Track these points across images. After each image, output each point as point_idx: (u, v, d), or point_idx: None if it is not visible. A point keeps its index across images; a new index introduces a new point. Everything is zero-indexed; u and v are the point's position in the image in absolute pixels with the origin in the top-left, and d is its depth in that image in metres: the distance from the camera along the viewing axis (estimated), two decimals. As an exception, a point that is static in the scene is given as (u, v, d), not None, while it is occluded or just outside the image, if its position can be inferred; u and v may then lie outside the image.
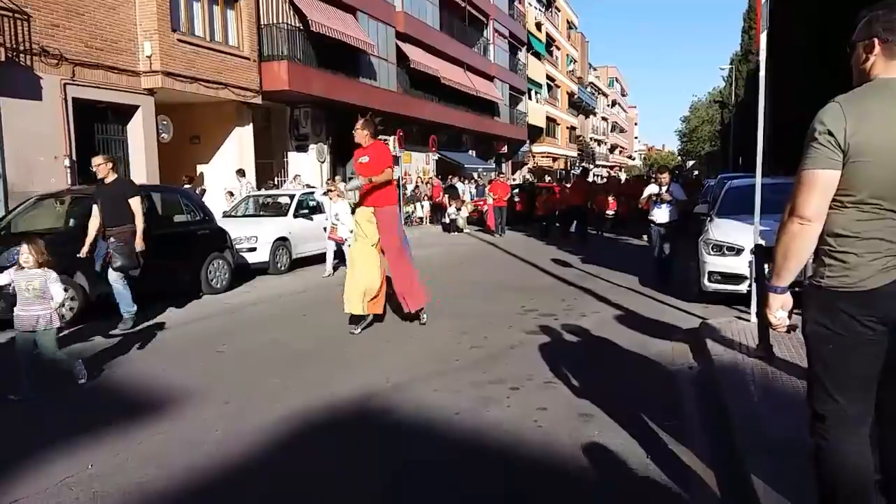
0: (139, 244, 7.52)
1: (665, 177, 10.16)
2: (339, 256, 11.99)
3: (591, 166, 65.30)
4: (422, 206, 24.53)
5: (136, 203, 7.63)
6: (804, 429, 2.65)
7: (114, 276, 7.49)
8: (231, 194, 16.44)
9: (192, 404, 5.00)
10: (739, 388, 4.66)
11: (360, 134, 7.16)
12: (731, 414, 4.18)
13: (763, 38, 6.42)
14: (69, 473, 3.79)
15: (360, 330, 7.22)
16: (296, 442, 4.29)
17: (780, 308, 2.54)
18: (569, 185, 18.65)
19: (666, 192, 9.81)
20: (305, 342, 7.00)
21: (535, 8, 48.80)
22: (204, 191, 16.08)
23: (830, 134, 2.32)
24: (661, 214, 9.90)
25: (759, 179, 6.58)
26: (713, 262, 8.01)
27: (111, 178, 7.71)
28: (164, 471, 3.83)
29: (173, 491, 3.61)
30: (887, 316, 2.34)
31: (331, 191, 11.69)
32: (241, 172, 17.16)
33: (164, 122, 15.95)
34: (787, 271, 2.47)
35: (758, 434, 3.79)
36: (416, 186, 25.04)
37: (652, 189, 10.22)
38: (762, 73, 6.51)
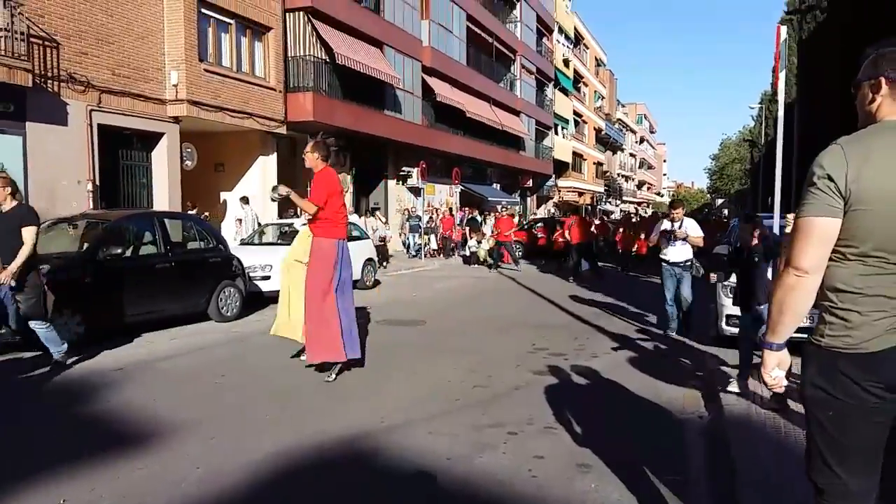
0: (6, 275, 6.27)
1: (678, 212, 9.11)
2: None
3: (618, 202, 64.95)
4: (436, 239, 24.43)
5: (29, 233, 6.41)
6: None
7: (31, 322, 6.60)
8: (240, 221, 16.48)
9: (178, 437, 4.86)
10: (749, 443, 4.41)
11: (310, 157, 6.54)
12: (738, 472, 3.94)
13: (782, 77, 6.26)
14: (40, 509, 3.67)
15: (334, 376, 6.48)
16: (277, 483, 4.12)
17: (777, 367, 2.34)
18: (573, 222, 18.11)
19: (679, 228, 8.87)
20: (308, 374, 6.84)
21: (563, 45, 49.06)
22: (206, 217, 16.12)
23: (830, 179, 2.12)
24: (673, 253, 8.91)
25: (776, 220, 6.36)
26: (730, 306, 7.73)
27: (9, 205, 6.59)
28: (136, 510, 3.68)
29: (143, 533, 3.46)
30: (893, 382, 2.12)
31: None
32: (244, 200, 17.07)
33: (189, 150, 16.15)
34: (783, 326, 2.27)
35: (764, 495, 3.55)
36: (431, 218, 24.86)
37: (664, 225, 9.28)
38: (780, 112, 6.34)
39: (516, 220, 24.65)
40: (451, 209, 27.08)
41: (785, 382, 2.36)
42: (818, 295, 2.22)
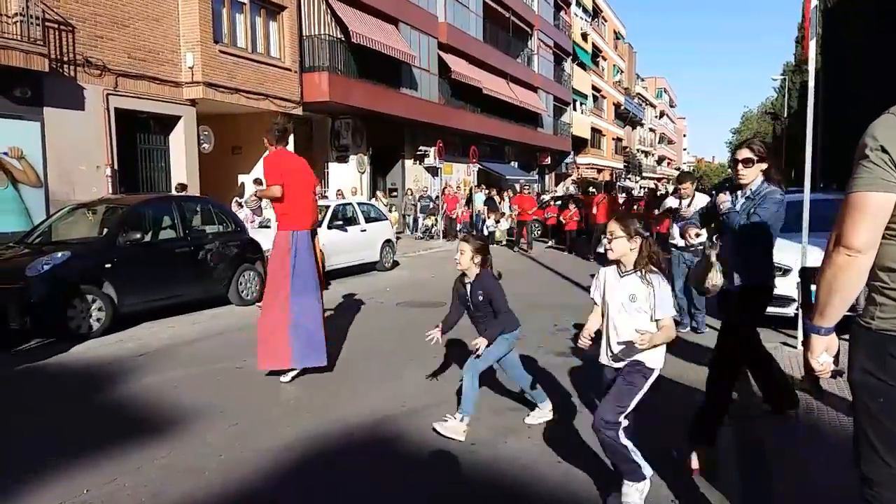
0: None
1: (687, 187, 7.76)
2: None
3: (637, 178, 64.26)
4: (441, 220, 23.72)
5: None
6: (851, 476, 2.27)
7: None
8: (240, 205, 16.24)
9: (199, 425, 4.83)
10: (781, 426, 4.28)
11: (265, 142, 6.06)
12: (769, 456, 3.81)
13: (812, 45, 6.02)
14: (62, 499, 3.64)
15: (290, 378, 5.95)
16: (300, 470, 4.06)
17: (825, 352, 2.21)
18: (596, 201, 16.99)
19: (688, 207, 7.50)
20: (331, 357, 6.79)
21: (581, 18, 48.32)
22: None
23: (884, 150, 1.97)
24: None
25: (807, 195, 6.17)
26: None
27: None
28: (158, 499, 3.64)
29: (165, 522, 3.43)
30: None
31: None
32: (258, 181, 16.86)
33: (206, 133, 16.09)
34: (832, 309, 2.13)
35: (796, 481, 3.43)
36: (438, 197, 23.90)
37: (670, 203, 8.09)
38: (811, 82, 6.10)
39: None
40: (458, 187, 26.59)
41: (832, 367, 2.22)
42: (869, 275, 2.08)
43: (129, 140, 14.22)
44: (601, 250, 16.76)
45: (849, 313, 2.15)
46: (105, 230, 8.64)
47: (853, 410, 2.22)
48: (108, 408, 5.36)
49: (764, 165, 4.21)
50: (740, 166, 4.22)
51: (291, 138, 18.46)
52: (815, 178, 19.59)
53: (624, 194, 27.92)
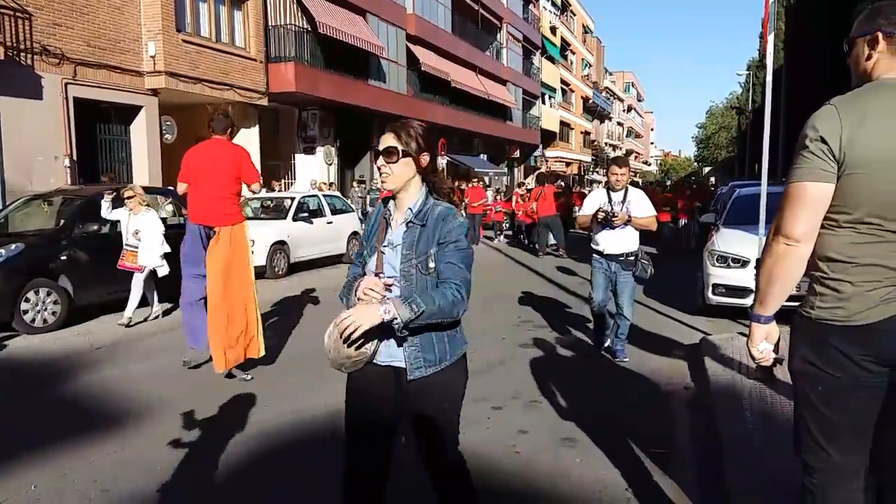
0: None
1: (621, 175, 5.91)
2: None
3: (605, 171, 64.82)
4: None
5: None
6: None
7: None
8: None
9: (155, 418, 4.75)
10: (734, 415, 4.35)
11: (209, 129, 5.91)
12: (723, 444, 3.87)
13: (770, 40, 6.10)
14: (9, 495, 3.55)
15: (250, 376, 5.80)
16: (256, 464, 4.02)
17: (765, 339, 2.24)
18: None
19: (620, 204, 5.89)
20: (291, 351, 6.74)
21: (550, 12, 48.43)
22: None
23: (823, 141, 1.99)
24: (608, 240, 5.89)
25: (764, 187, 6.27)
26: (717, 274, 7.68)
27: None
28: (109, 495, 3.57)
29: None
30: (887, 356, 2.01)
31: (128, 198, 7.86)
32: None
33: (168, 123, 15.81)
34: (772, 298, 2.16)
35: (749, 469, 3.49)
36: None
37: (597, 198, 6.10)
38: (769, 76, 6.20)
39: (489, 192, 23.68)
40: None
41: (773, 356, 2.26)
42: (808, 265, 2.11)
43: (89, 130, 13.90)
44: (552, 242, 16.62)
45: (790, 304, 2.18)
46: (61, 222, 8.45)
47: (794, 400, 2.26)
48: (61, 402, 5.25)
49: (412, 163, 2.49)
50: (381, 160, 2.49)
51: (257, 128, 18.31)
52: (777, 171, 19.94)
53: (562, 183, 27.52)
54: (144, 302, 8.18)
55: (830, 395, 2.08)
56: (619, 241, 5.89)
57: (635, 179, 52.23)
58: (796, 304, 2.22)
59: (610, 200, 5.93)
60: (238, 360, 5.65)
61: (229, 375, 5.69)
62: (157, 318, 8.31)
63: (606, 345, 6.37)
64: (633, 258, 5.93)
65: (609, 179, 6.03)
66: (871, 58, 2.11)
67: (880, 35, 2.07)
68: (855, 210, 2.01)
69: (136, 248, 7.84)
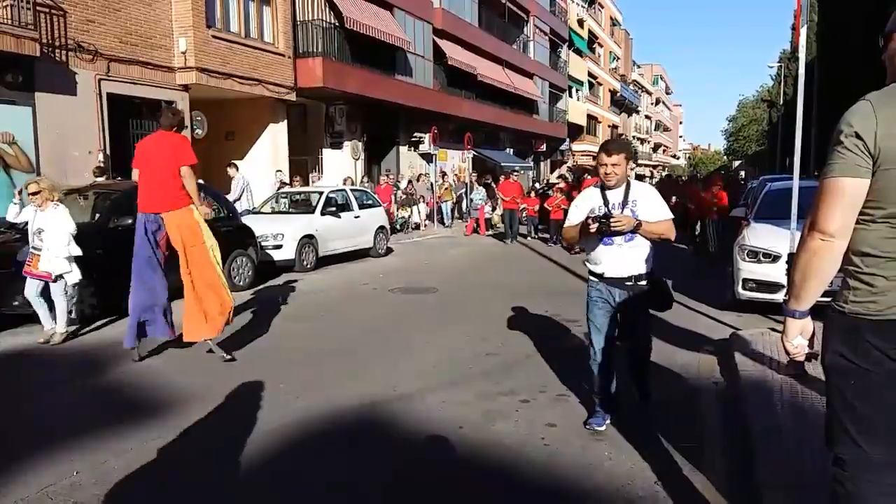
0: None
1: (612, 165, 4.09)
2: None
3: (633, 165, 64.13)
4: (418, 211, 21.58)
5: None
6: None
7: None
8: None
9: (190, 409, 4.85)
10: (765, 410, 4.32)
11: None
12: (753, 439, 3.86)
13: (803, 32, 6.02)
14: (52, 481, 3.67)
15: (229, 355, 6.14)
16: (290, 454, 4.10)
17: (800, 335, 2.25)
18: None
19: (620, 206, 4.14)
20: (319, 344, 6.84)
21: (578, 4, 48.08)
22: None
23: (858, 137, 2.00)
24: (613, 259, 4.20)
25: (796, 181, 6.19)
26: (748, 269, 7.61)
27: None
28: (146, 483, 3.68)
29: (154, 504, 3.47)
30: None
31: (33, 193, 6.95)
32: (233, 166, 16.01)
33: (199, 118, 16.02)
34: (807, 293, 2.17)
35: (780, 464, 3.47)
36: (410, 183, 22.06)
37: (588, 201, 4.32)
38: (801, 69, 6.11)
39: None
40: (453, 172, 26.16)
41: (807, 349, 2.26)
42: (843, 260, 2.11)
43: (122, 125, 14.15)
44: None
45: (824, 299, 2.18)
46: (97, 216, 8.62)
47: (826, 394, 2.26)
48: (101, 391, 5.40)
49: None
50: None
51: (286, 123, 18.44)
52: (810, 165, 19.62)
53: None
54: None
55: (864, 389, 2.08)
56: (626, 259, 4.10)
57: (663, 173, 50.87)
58: (829, 299, 2.22)
59: (606, 202, 4.11)
60: (210, 334, 6.08)
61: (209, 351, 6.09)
62: (56, 340, 6.87)
63: (601, 427, 4.30)
64: (646, 283, 4.19)
65: (598, 172, 4.16)
66: None
67: None
68: (890, 205, 2.00)
69: (40, 250, 6.80)
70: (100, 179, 11.44)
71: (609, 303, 4.24)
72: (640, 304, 4.29)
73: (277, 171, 17.15)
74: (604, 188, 4.19)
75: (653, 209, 4.12)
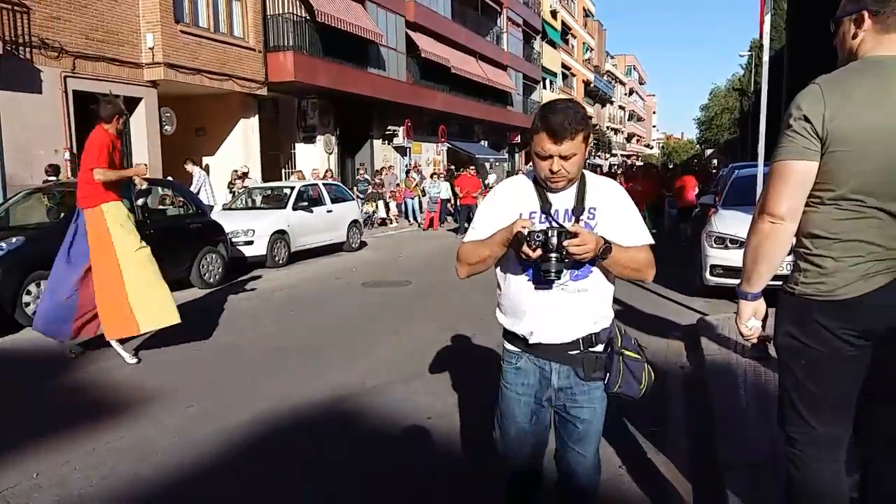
0: None
1: (565, 164, 2.18)
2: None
3: (607, 155, 64.64)
4: (385, 205, 20.98)
5: None
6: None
7: None
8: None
9: (155, 407, 4.80)
10: (729, 392, 4.38)
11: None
12: (716, 421, 3.91)
13: (767, 20, 6.08)
14: (11, 483, 3.61)
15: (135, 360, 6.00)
16: (256, 451, 4.07)
17: (753, 317, 2.27)
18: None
19: (570, 216, 2.28)
20: (289, 339, 6.80)
21: (551, -5, 48.13)
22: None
23: (807, 120, 2.02)
24: (545, 312, 2.31)
25: (761, 168, 6.26)
26: (715, 255, 7.70)
27: None
28: (109, 482, 3.63)
29: None
30: (868, 329, 2.05)
31: None
32: (191, 161, 15.15)
33: (168, 115, 15.82)
34: (759, 276, 2.19)
35: (742, 445, 3.52)
36: (378, 173, 21.73)
37: (513, 199, 2.37)
38: (765, 56, 6.17)
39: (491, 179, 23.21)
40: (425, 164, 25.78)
41: (760, 332, 2.29)
42: (794, 242, 2.14)
43: (89, 123, 13.81)
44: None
45: (774, 282, 2.21)
46: (62, 215, 8.48)
47: (779, 374, 2.30)
48: (64, 392, 5.30)
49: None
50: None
51: (257, 118, 18.27)
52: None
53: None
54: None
55: (813, 368, 2.12)
56: (571, 311, 2.33)
57: (631, 161, 49.97)
58: (780, 283, 2.25)
59: (546, 210, 2.32)
60: (128, 333, 5.90)
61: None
62: None
63: None
64: (603, 349, 2.40)
65: (536, 166, 2.30)
66: (856, 36, 2.13)
67: (866, 14, 2.09)
68: (838, 187, 2.03)
69: None
70: (53, 179, 11.22)
71: (535, 388, 2.41)
72: (592, 397, 2.39)
73: (234, 170, 16.95)
74: (545, 188, 2.31)
75: (623, 225, 2.30)
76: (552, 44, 47.59)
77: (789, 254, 2.20)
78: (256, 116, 18.47)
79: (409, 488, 3.55)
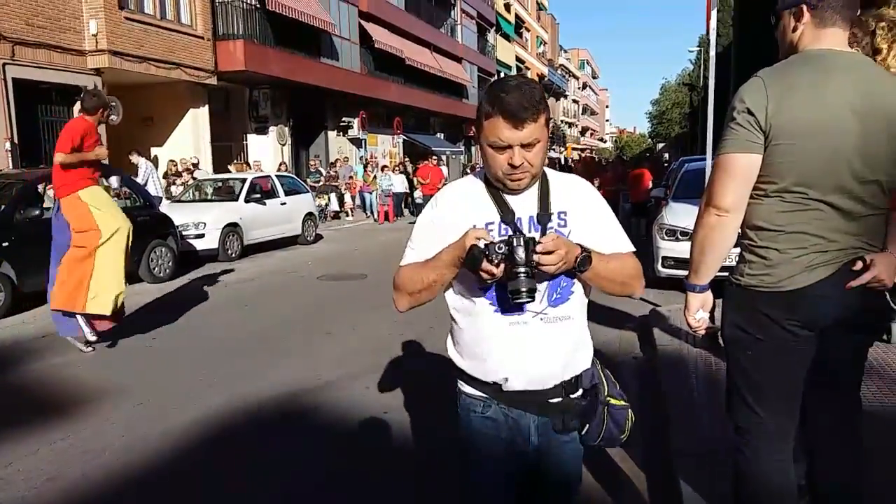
0: None
1: (528, 154, 1.71)
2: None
3: (561, 149, 65.22)
4: (337, 198, 20.55)
5: None
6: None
7: None
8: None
9: (103, 406, 4.68)
10: (680, 382, 4.47)
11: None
12: (668, 410, 3.98)
13: (714, 15, 6.20)
14: (-50, 487, 3.47)
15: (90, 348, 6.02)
16: (206, 448, 4.00)
17: (700, 308, 2.31)
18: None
19: (535, 224, 1.79)
20: (242, 334, 6.69)
21: (504, -12, 48.23)
22: None
23: (750, 112, 2.05)
24: (515, 350, 1.79)
25: (709, 161, 6.38)
26: (666, 247, 7.85)
27: None
28: (55, 483, 3.52)
29: (61, 506, 3.32)
30: (812, 320, 2.10)
31: None
32: (136, 152, 14.85)
33: (114, 104, 15.26)
34: (705, 268, 2.23)
35: (693, 434, 3.60)
36: (332, 165, 21.42)
37: (463, 208, 1.84)
38: (712, 51, 6.32)
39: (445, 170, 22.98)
40: (383, 156, 25.73)
41: (708, 323, 2.33)
42: (739, 234, 2.18)
43: (30, 112, 13.44)
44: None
45: (722, 274, 2.25)
46: (1, 207, 8.18)
47: (726, 365, 2.34)
48: (6, 391, 5.12)
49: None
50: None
51: (207, 108, 17.89)
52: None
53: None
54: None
55: (759, 358, 2.16)
56: (547, 347, 1.82)
57: (589, 155, 50.35)
58: (727, 273, 2.29)
59: (509, 219, 1.80)
60: (69, 307, 5.80)
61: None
62: None
63: None
64: (584, 393, 1.93)
65: (489, 162, 1.78)
66: (796, 30, 2.17)
67: (804, 7, 2.12)
68: (781, 180, 2.06)
69: None
70: None
71: (507, 437, 1.90)
72: (571, 454, 1.97)
73: (170, 160, 16.58)
74: (501, 189, 1.84)
75: (601, 231, 1.88)
76: (506, 37, 47.75)
77: (735, 245, 2.24)
78: (206, 106, 18.08)
79: (366, 483, 3.53)
